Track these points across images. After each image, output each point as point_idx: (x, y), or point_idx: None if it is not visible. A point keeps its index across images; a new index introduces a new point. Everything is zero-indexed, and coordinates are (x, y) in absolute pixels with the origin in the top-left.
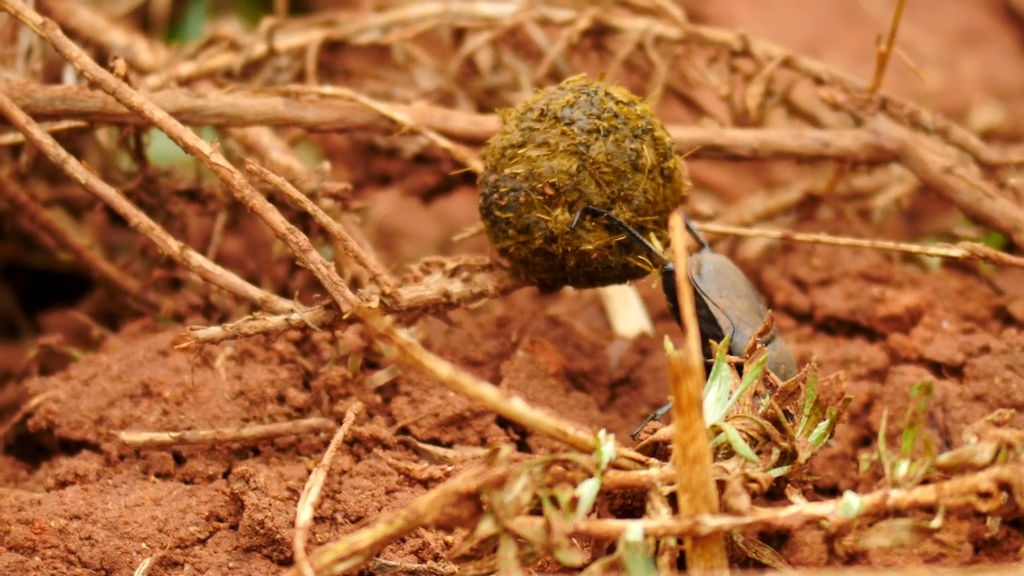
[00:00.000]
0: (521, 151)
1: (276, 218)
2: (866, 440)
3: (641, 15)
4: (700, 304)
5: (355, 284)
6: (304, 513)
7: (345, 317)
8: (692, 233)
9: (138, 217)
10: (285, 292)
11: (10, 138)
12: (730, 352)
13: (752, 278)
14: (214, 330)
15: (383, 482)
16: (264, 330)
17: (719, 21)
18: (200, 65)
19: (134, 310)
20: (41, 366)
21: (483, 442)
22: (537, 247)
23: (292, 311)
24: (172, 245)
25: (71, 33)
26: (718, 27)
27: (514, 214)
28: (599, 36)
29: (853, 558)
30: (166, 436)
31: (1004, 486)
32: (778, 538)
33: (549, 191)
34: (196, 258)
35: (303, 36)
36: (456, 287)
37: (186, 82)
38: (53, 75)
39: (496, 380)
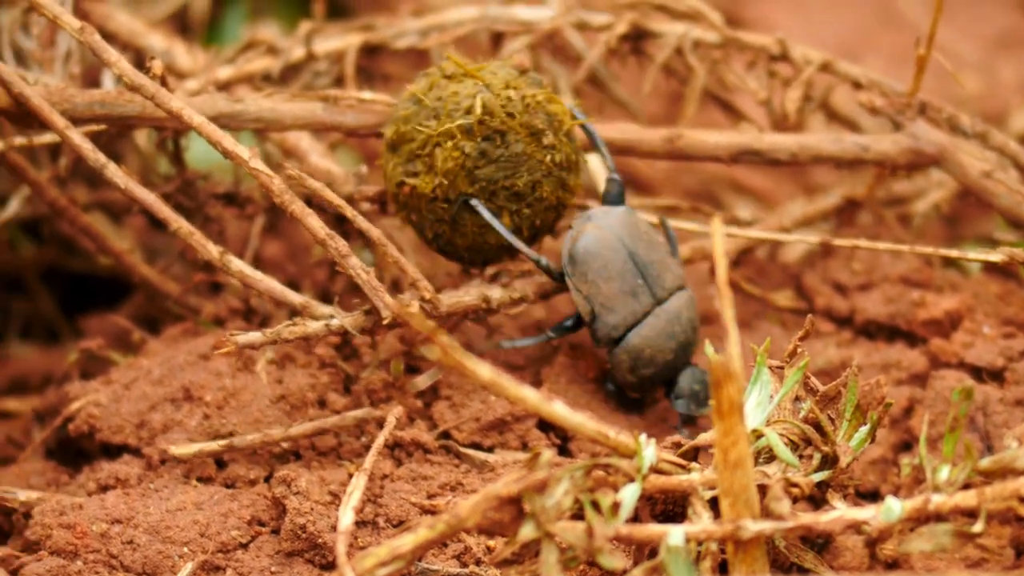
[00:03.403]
0: None
1: (315, 223)
2: (907, 444)
3: (679, 20)
4: (568, 289)
5: (395, 288)
6: (346, 517)
7: (385, 322)
8: (603, 156)
9: (177, 222)
10: (325, 296)
11: (49, 138)
12: (592, 337)
13: (792, 282)
14: (254, 335)
15: (424, 486)
16: (304, 335)
17: (757, 25)
18: (239, 69)
19: (175, 314)
20: (82, 370)
21: (524, 446)
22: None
23: (332, 316)
24: (212, 250)
25: (109, 37)
26: (756, 31)
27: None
28: (637, 40)
29: (895, 563)
30: (214, 444)
31: None
32: (820, 543)
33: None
34: (236, 263)
35: (341, 40)
36: (496, 292)
37: (224, 86)
38: (92, 79)
39: (537, 385)
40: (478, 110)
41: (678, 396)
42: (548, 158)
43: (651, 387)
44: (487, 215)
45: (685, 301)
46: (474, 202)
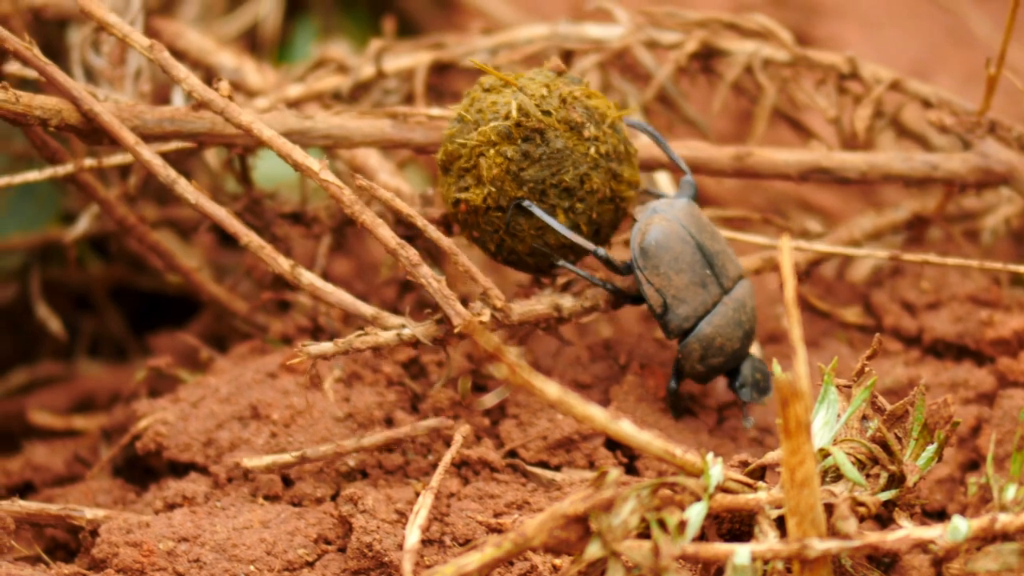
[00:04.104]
0: None
1: (387, 233)
2: (974, 464)
3: (749, 38)
4: (638, 282)
5: (464, 303)
6: (412, 536)
7: (456, 331)
8: (671, 158)
9: (248, 236)
10: (394, 313)
11: (119, 159)
12: (663, 329)
13: (860, 300)
14: (326, 346)
15: (491, 505)
16: (375, 345)
17: (827, 44)
18: (308, 87)
19: (242, 332)
20: (150, 388)
21: (591, 465)
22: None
23: (403, 326)
24: (283, 263)
25: (179, 55)
26: (826, 50)
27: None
28: (707, 59)
29: None
30: (287, 456)
31: None
32: (886, 562)
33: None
34: (307, 276)
35: (411, 58)
36: (567, 301)
37: (294, 104)
38: (162, 97)
39: (604, 403)
40: (514, 113)
41: (742, 384)
42: (592, 150)
43: (714, 376)
44: (540, 214)
45: (748, 290)
46: (525, 203)
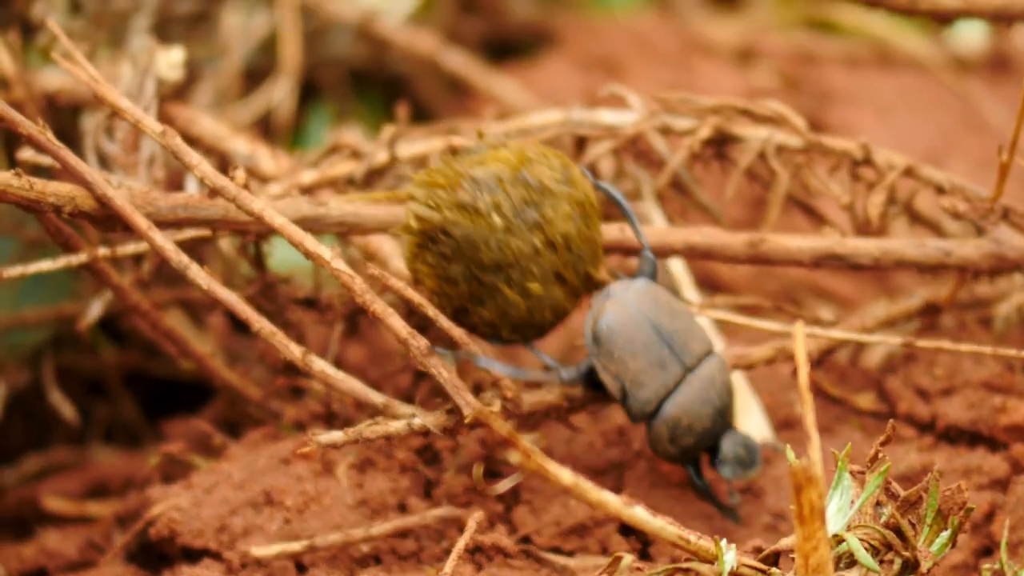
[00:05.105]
0: None
1: (397, 323)
2: (988, 550)
3: (763, 124)
4: (596, 369)
5: (477, 390)
6: None
7: (467, 421)
8: (633, 227)
9: (260, 323)
10: (408, 401)
11: (132, 248)
12: (627, 415)
13: (873, 386)
14: (336, 435)
15: None
16: (386, 434)
17: (841, 130)
18: (322, 173)
19: (256, 418)
20: (163, 474)
21: (605, 551)
22: None
23: (414, 415)
24: (294, 351)
25: (193, 141)
26: (840, 136)
27: None
28: (721, 145)
29: None
30: (295, 545)
31: None
32: None
33: None
34: (318, 363)
35: (425, 144)
36: (578, 391)
37: (308, 190)
38: (176, 183)
39: (618, 489)
40: (413, 224)
41: (723, 461)
42: (495, 218)
43: (694, 456)
44: (487, 364)
45: (716, 365)
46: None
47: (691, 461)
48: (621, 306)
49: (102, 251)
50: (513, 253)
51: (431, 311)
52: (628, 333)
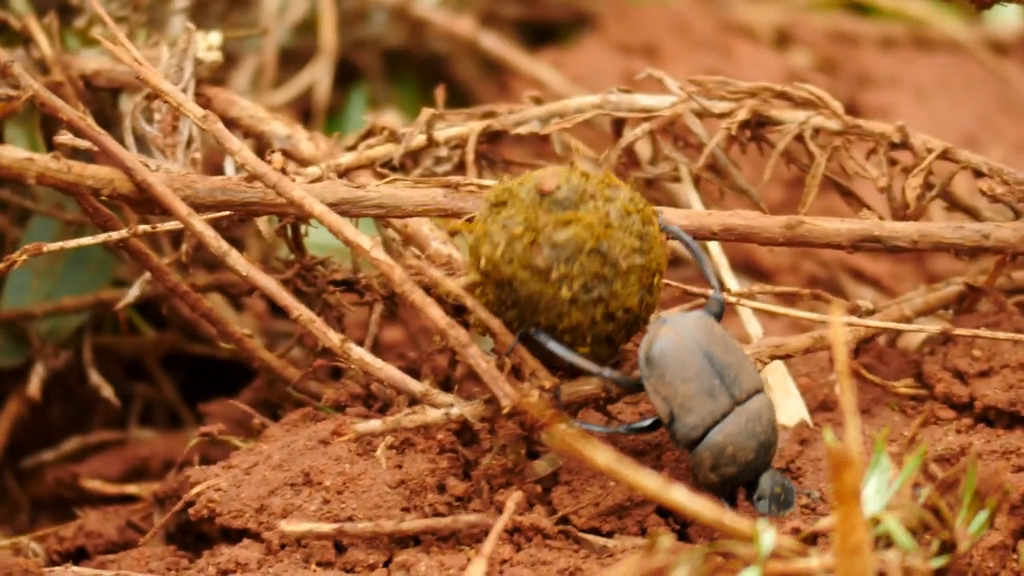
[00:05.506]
0: None
1: (436, 312)
2: None
3: (800, 107)
4: (647, 392)
5: (516, 374)
6: None
7: (504, 412)
8: (702, 270)
9: (299, 310)
10: (446, 382)
11: (171, 225)
12: (672, 439)
13: (911, 368)
14: (374, 424)
15: (544, 572)
16: (424, 424)
17: (878, 113)
18: (360, 155)
19: (295, 399)
20: (202, 455)
21: (643, 532)
22: None
23: (452, 405)
24: (333, 338)
25: (231, 124)
26: (877, 119)
27: None
28: (758, 128)
29: None
30: (326, 527)
31: None
32: None
33: None
34: (356, 351)
35: (463, 127)
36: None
37: (345, 172)
38: (214, 164)
39: (657, 470)
40: (483, 264)
41: (760, 497)
42: (563, 291)
43: (732, 488)
44: (546, 341)
45: (765, 403)
46: (532, 332)
47: (728, 494)
48: (676, 332)
49: (141, 228)
50: (571, 323)
51: (469, 302)
52: (681, 359)
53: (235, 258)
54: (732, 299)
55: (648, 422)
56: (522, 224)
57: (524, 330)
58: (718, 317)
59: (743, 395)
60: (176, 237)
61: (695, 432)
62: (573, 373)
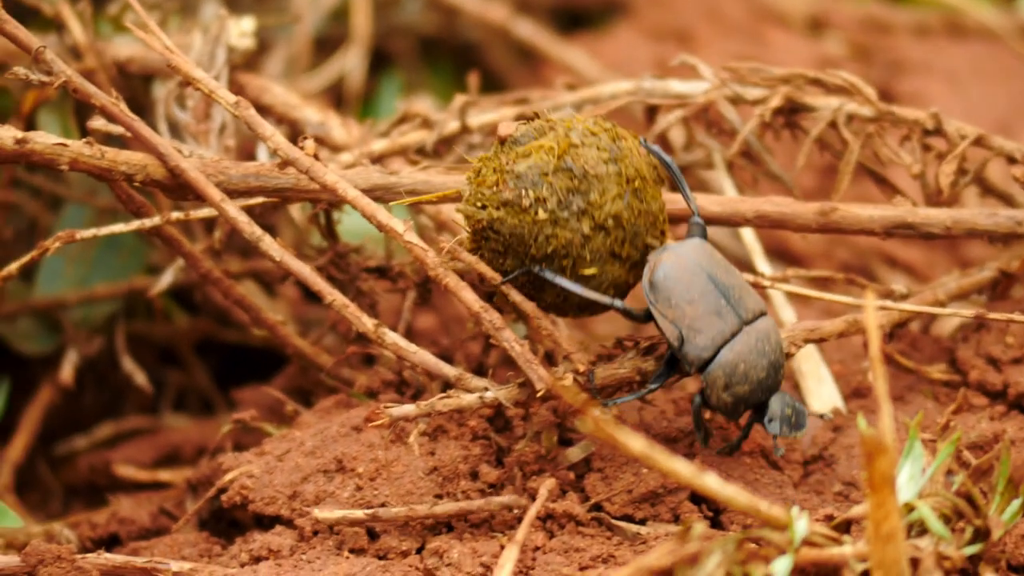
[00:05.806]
0: None
1: (470, 296)
2: None
3: (834, 93)
4: (651, 316)
5: (549, 360)
6: None
7: (539, 395)
8: (683, 193)
9: (332, 295)
10: (480, 368)
11: (204, 212)
12: (683, 362)
13: (945, 355)
14: (408, 408)
15: (576, 558)
16: (458, 408)
17: (912, 100)
18: (393, 142)
19: (327, 386)
20: (235, 441)
21: (676, 519)
22: None
23: (486, 389)
24: (367, 323)
25: (264, 110)
26: (911, 106)
27: None
28: (791, 114)
29: None
30: (359, 513)
31: None
32: None
33: None
34: (391, 336)
35: (495, 113)
36: (651, 365)
37: (378, 159)
38: (247, 150)
39: (690, 457)
40: (463, 224)
41: (771, 419)
42: (540, 213)
43: (744, 409)
44: (551, 277)
45: (771, 324)
46: (537, 270)
47: (741, 418)
48: (678, 256)
49: (175, 215)
50: (562, 244)
51: (502, 285)
52: (686, 280)
53: (269, 244)
54: (766, 283)
55: (662, 369)
56: (487, 171)
57: (525, 269)
58: (703, 238)
59: (749, 315)
60: (209, 224)
61: (706, 352)
62: (583, 307)
